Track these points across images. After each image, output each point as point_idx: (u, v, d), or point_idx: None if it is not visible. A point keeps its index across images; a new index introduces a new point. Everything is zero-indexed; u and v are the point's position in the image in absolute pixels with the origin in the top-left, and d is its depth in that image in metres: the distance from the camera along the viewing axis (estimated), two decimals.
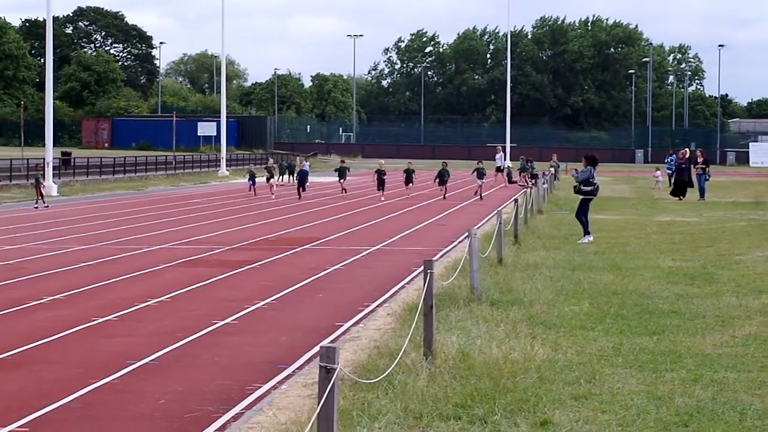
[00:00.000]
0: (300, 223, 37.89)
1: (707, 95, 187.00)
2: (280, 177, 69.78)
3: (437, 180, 54.53)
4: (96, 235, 33.07)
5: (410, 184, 55.23)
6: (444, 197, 53.47)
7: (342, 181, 56.33)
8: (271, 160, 62.84)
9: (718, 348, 14.48)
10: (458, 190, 62.02)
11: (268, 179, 55.98)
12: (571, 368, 13.06)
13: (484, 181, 56.57)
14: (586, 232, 29.83)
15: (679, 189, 53.19)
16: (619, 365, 13.34)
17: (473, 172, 58.84)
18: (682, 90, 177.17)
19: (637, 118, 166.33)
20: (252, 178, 57.31)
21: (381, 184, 54.09)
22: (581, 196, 30.12)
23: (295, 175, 62.01)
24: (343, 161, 60.83)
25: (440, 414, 10.89)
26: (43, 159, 57.90)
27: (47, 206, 45.95)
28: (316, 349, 14.19)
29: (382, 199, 52.68)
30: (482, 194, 54.78)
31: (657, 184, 65.14)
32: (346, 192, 55.40)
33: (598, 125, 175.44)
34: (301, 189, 53.87)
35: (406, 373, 12.31)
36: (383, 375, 11.11)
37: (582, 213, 30.04)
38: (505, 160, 75.85)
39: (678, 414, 10.98)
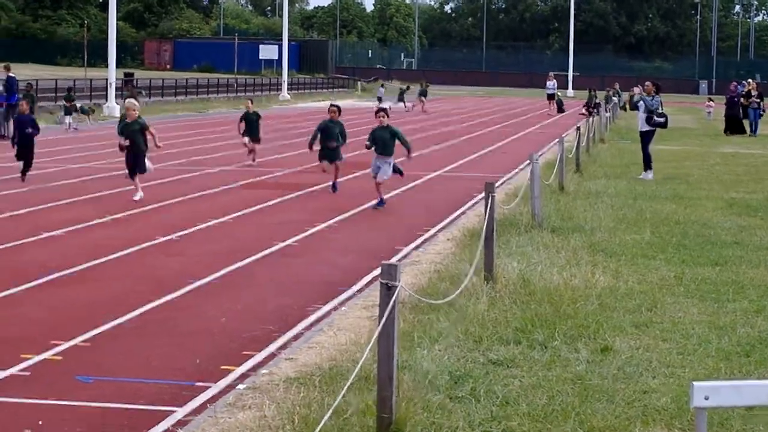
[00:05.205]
0: (360, 148, 37.73)
1: None
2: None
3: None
4: (156, 156, 33.13)
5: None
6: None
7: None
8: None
9: None
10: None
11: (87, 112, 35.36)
12: (632, 296, 12.98)
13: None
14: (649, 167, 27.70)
15: (730, 124, 49.56)
16: (681, 294, 13.24)
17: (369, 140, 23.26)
18: (749, 20, 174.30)
19: (702, 48, 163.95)
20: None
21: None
22: (649, 127, 27.67)
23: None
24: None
25: (500, 338, 10.87)
26: (102, 80, 58.15)
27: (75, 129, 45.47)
28: (376, 272, 14.20)
29: None
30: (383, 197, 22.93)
31: (708, 115, 63.88)
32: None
33: (661, 55, 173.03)
34: None
35: (466, 297, 12.29)
36: (449, 298, 11.05)
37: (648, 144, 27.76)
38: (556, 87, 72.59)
39: (740, 344, 10.88)
